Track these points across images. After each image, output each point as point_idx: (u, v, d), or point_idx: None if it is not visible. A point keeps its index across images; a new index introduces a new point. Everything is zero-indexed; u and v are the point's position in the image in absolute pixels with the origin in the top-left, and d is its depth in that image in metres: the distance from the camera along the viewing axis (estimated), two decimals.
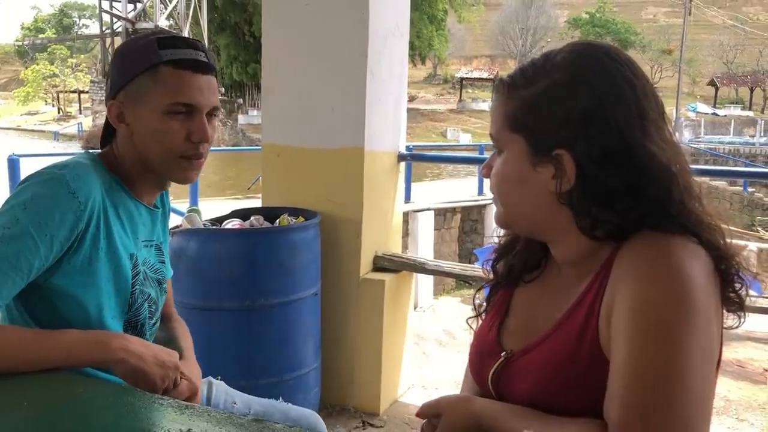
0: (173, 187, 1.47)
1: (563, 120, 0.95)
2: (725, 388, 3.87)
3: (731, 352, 4.56)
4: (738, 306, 0.95)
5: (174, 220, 3.47)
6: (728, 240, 0.96)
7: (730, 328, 0.96)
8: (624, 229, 0.95)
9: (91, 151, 1.37)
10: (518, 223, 1.07)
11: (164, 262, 1.48)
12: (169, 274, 1.53)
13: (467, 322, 1.26)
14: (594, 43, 1.02)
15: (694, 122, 37.02)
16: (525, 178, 0.99)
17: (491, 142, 1.07)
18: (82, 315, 1.24)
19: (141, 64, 1.27)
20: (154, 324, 1.46)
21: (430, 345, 4.78)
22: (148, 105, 1.28)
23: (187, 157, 1.31)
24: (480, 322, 1.21)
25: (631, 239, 0.93)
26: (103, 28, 40.56)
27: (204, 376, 1.54)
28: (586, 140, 0.94)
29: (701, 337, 0.84)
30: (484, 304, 1.21)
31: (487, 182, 1.13)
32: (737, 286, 0.95)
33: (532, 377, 0.99)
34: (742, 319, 0.97)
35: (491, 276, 1.21)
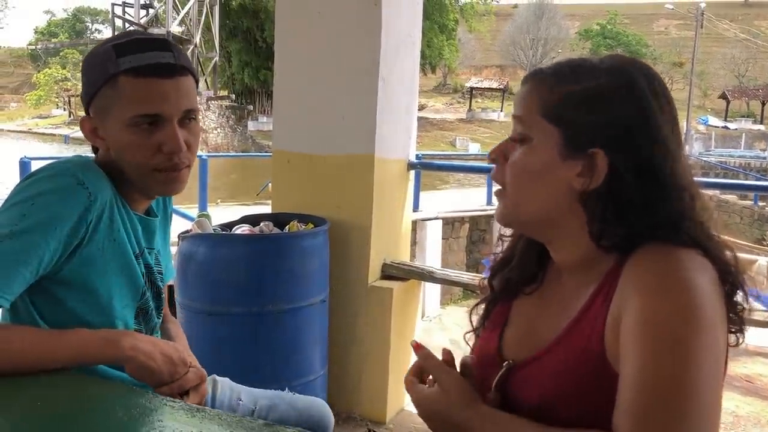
0: (182, 191, 1.44)
1: (608, 123, 0.96)
2: (734, 403, 3.84)
3: (740, 368, 4.53)
4: (739, 322, 0.96)
5: (184, 225, 3.48)
6: (735, 255, 0.96)
7: (733, 346, 0.96)
8: (630, 241, 0.95)
9: (85, 155, 1.34)
10: (525, 219, 1.04)
11: (161, 272, 1.44)
12: (166, 280, 1.54)
13: (464, 338, 1.26)
14: (639, 60, 1.04)
15: (704, 135, 36.95)
16: (550, 170, 0.99)
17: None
18: (91, 306, 1.23)
19: (101, 76, 1.21)
20: (159, 319, 1.46)
21: (436, 354, 4.77)
22: (114, 119, 1.22)
23: (161, 170, 1.25)
24: (477, 337, 1.21)
25: (638, 251, 0.93)
26: (116, 33, 40.77)
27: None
28: (628, 148, 0.95)
29: (710, 349, 0.84)
30: (482, 319, 1.20)
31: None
32: (741, 302, 0.95)
33: (536, 387, 0.99)
34: (741, 338, 0.97)
35: (488, 290, 1.20)
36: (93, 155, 1.35)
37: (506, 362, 1.05)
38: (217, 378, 1.66)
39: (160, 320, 1.47)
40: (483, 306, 1.20)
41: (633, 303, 0.88)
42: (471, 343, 1.25)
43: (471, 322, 1.22)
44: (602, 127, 0.96)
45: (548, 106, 0.99)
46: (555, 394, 0.95)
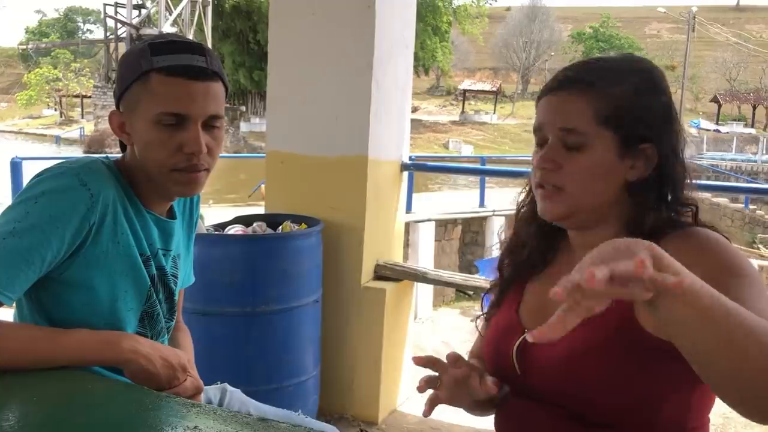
0: (199, 193, 1.42)
1: (652, 118, 1.08)
2: (724, 406, 3.85)
3: None
4: None
5: None
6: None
7: None
8: (660, 228, 1.06)
9: (108, 156, 1.35)
10: (580, 214, 1.11)
11: (176, 276, 1.43)
12: (184, 286, 1.53)
13: (475, 324, 1.34)
14: (645, 58, 1.17)
15: (696, 138, 37.02)
16: (610, 170, 1.08)
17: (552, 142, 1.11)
18: (95, 307, 1.23)
19: (134, 72, 1.23)
20: (171, 322, 1.45)
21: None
22: (140, 115, 1.24)
23: (180, 170, 1.25)
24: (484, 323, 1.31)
25: (671, 234, 1.04)
26: (108, 34, 40.74)
27: (206, 384, 1.53)
28: (667, 137, 1.09)
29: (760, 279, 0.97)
30: (496, 302, 1.29)
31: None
32: None
33: (559, 344, 1.05)
34: None
35: (499, 277, 1.29)
36: (104, 155, 1.36)
37: (527, 329, 1.13)
38: (229, 387, 1.63)
39: (172, 324, 1.46)
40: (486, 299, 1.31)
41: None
42: (480, 326, 1.34)
43: (482, 308, 1.32)
44: (648, 124, 1.08)
45: (601, 114, 1.07)
46: (580, 349, 1.04)
